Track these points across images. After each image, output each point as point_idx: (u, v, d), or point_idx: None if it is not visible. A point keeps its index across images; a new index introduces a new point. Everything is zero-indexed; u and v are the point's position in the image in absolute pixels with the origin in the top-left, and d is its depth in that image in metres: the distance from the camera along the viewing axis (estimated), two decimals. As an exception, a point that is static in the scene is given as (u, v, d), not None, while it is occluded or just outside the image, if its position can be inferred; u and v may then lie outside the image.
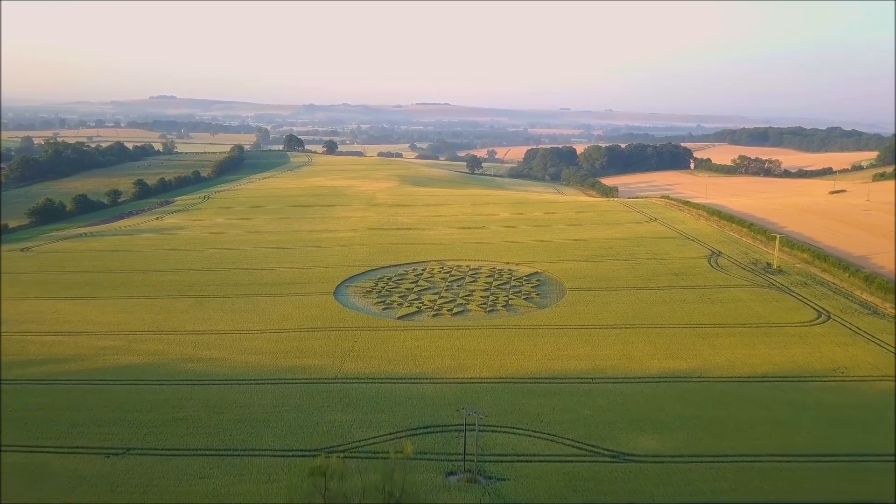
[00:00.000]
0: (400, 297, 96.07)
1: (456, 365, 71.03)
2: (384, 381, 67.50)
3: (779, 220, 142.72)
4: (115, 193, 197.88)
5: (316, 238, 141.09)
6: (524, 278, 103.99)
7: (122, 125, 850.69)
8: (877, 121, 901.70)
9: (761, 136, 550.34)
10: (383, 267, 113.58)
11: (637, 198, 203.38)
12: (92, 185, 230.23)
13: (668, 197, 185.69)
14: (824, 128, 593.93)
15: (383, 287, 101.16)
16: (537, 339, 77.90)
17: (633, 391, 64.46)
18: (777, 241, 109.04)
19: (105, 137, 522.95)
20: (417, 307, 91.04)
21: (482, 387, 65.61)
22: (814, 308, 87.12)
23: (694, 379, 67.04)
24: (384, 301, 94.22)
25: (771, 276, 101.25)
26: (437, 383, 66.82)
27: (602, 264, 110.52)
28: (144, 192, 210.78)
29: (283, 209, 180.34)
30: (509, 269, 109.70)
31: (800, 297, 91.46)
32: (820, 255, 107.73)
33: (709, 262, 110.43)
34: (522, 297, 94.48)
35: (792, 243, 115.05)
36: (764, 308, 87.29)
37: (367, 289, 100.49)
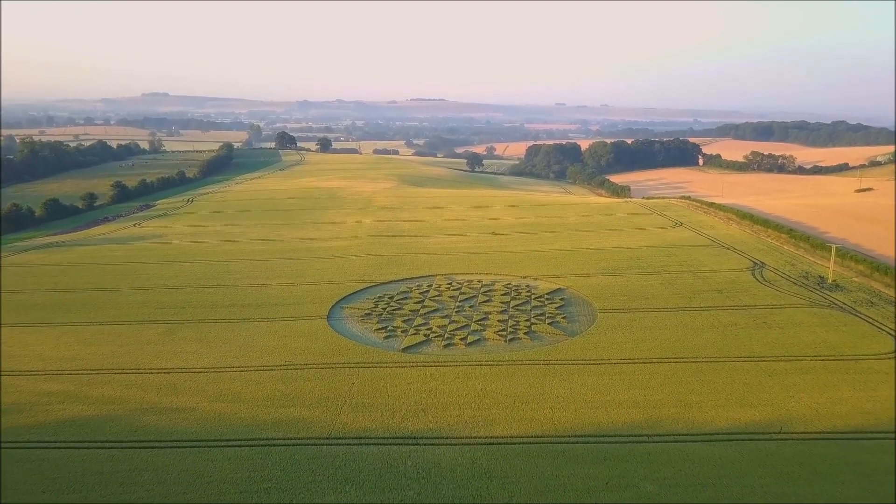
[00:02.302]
0: (404, 321, 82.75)
1: (478, 417, 57.75)
2: (389, 441, 54.18)
3: (818, 225, 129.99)
4: (91, 197, 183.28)
5: (308, 247, 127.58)
6: (546, 297, 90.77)
7: (112, 123, 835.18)
8: (874, 115, 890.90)
9: (766, 131, 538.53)
10: (384, 283, 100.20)
11: (652, 198, 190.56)
12: (69, 187, 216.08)
13: (689, 198, 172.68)
14: (828, 122, 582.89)
15: (384, 308, 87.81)
16: (572, 380, 64.70)
17: (701, 454, 51.26)
18: (833, 252, 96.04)
19: (93, 135, 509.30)
20: (425, 335, 77.72)
21: (513, 449, 52.33)
22: (891, 334, 74.14)
23: (774, 436, 53.97)
24: (386, 327, 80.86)
25: (829, 293, 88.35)
26: (455, 444, 53.52)
27: (632, 279, 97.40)
28: (123, 196, 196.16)
29: (273, 213, 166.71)
30: (527, 285, 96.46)
31: (870, 321, 78.51)
32: (879, 268, 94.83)
33: (753, 275, 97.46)
34: (547, 320, 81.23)
35: (843, 253, 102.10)
36: (832, 335, 74.24)
37: (366, 311, 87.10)
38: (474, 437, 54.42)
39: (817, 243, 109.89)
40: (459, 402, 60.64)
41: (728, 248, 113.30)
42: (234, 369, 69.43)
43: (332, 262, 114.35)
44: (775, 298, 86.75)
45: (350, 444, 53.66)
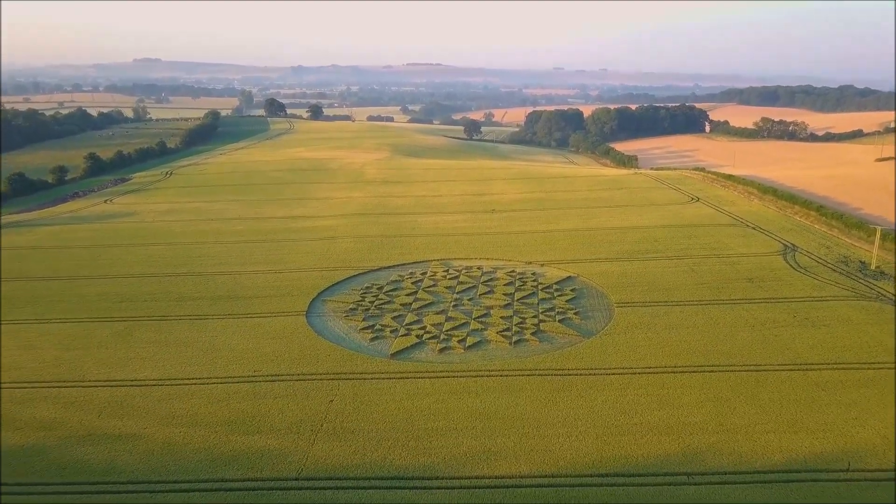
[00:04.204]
0: (394, 318, 72.44)
1: (479, 447, 47.77)
2: (372, 482, 44.24)
3: (847, 200, 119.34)
4: (62, 170, 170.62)
5: (290, 227, 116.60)
6: (554, 287, 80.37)
7: (101, 89, 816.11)
8: (877, 79, 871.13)
9: (771, 96, 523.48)
10: (373, 270, 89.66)
11: (662, 168, 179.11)
12: (42, 158, 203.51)
13: (703, 169, 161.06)
14: (835, 86, 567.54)
15: (372, 302, 77.44)
16: (591, 395, 54.68)
17: (756, 502, 41.48)
18: (878, 235, 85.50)
19: (80, 102, 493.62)
20: (418, 336, 67.49)
21: (524, 494, 42.49)
22: (956, 335, 64.08)
23: (843, 475, 44.12)
24: (373, 325, 70.56)
25: (874, 282, 78.10)
26: (452, 487, 43.68)
27: (650, 265, 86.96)
28: (97, 168, 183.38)
29: (255, 188, 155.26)
30: (533, 273, 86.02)
31: (928, 317, 68.38)
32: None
33: (785, 259, 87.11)
34: (557, 317, 70.96)
35: (884, 234, 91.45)
36: (888, 336, 63.92)
37: (351, 305, 76.70)
38: (475, 477, 44.52)
39: (852, 222, 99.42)
40: (457, 426, 50.67)
41: (753, 228, 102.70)
42: (194, 381, 59.30)
43: (317, 245, 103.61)
44: (815, 289, 76.48)
45: (323, 488, 43.80)
